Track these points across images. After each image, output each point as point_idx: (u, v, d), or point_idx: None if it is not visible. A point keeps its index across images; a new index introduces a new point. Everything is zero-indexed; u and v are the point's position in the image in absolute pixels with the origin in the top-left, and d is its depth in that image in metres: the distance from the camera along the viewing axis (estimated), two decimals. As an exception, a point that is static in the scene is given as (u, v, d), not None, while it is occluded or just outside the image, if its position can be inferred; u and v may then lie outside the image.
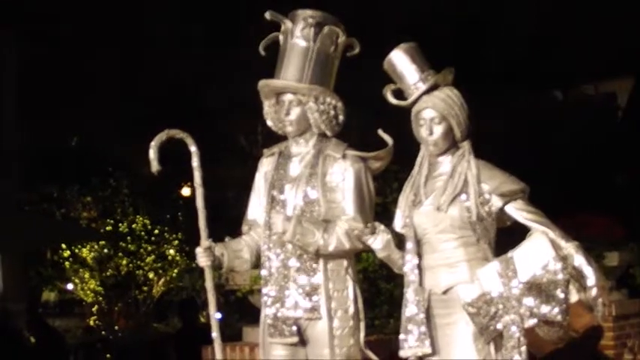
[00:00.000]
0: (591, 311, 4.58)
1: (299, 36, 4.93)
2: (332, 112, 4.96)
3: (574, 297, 4.50)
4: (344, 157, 4.91)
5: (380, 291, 7.79)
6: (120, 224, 15.17)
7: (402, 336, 4.68)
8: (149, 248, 15.25)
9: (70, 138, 18.93)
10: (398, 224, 4.83)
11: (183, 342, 10.33)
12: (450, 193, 4.66)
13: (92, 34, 15.92)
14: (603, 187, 13.23)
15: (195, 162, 5.02)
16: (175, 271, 15.25)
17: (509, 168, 4.77)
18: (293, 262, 4.88)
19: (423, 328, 4.62)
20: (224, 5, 15.31)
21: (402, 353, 4.70)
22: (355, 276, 4.97)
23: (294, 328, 4.85)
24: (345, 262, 4.91)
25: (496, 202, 4.67)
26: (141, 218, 15.26)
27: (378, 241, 4.74)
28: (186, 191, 15.77)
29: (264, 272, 4.99)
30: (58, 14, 15.66)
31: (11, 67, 17.19)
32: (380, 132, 4.94)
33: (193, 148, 5.02)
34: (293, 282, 4.86)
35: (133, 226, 15.21)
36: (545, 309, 4.44)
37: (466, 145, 4.75)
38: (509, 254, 4.56)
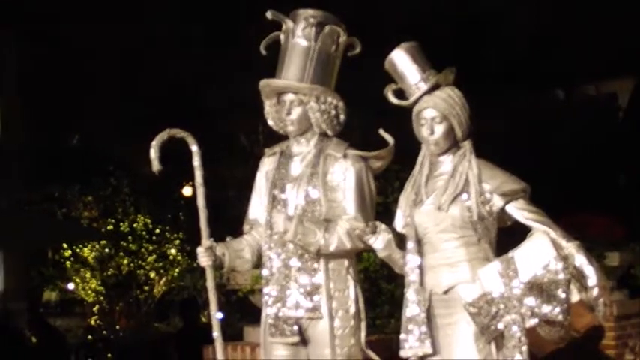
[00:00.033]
0: (592, 311, 4.58)
1: (300, 35, 4.93)
2: (333, 112, 4.96)
3: (575, 297, 4.50)
4: (345, 156, 4.91)
5: (381, 291, 7.79)
6: (121, 224, 15.16)
7: (402, 336, 4.69)
8: (150, 248, 15.24)
9: (71, 138, 18.95)
10: (399, 224, 4.83)
11: (185, 341, 10.33)
12: (451, 193, 4.67)
13: (92, 34, 15.92)
14: (604, 187, 13.24)
15: (196, 161, 5.02)
16: (177, 270, 15.24)
17: (509, 168, 4.77)
18: (294, 262, 4.88)
19: (424, 328, 4.62)
20: (224, 5, 15.31)
21: (402, 353, 4.70)
22: (356, 275, 4.98)
23: (295, 327, 4.85)
24: (346, 262, 4.91)
25: (497, 202, 4.67)
26: (142, 218, 15.25)
27: (379, 241, 4.74)
28: (187, 191, 15.76)
29: (265, 272, 4.99)
30: (58, 14, 15.66)
31: (12, 67, 17.20)
32: (381, 132, 4.94)
33: (194, 148, 5.02)
34: (294, 281, 4.87)
35: (134, 225, 15.20)
36: (546, 309, 4.45)
37: (467, 145, 4.75)
38: (510, 254, 4.57)
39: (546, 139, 13.95)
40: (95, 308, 15.37)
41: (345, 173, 4.89)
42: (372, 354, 4.91)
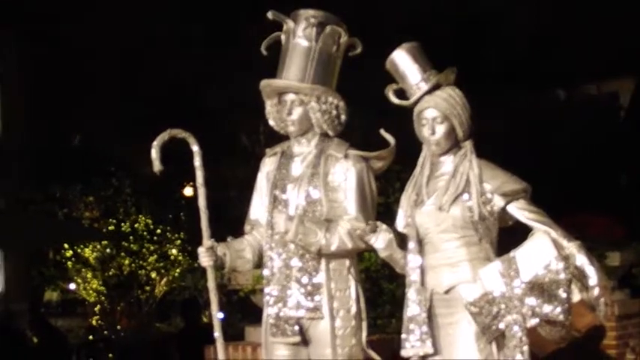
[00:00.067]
0: (593, 311, 4.58)
1: (301, 36, 4.93)
2: (334, 112, 4.96)
3: (576, 297, 4.50)
4: (346, 156, 4.91)
5: (382, 291, 7.80)
6: (122, 224, 15.17)
7: (403, 335, 4.68)
8: (151, 248, 15.25)
9: (73, 138, 18.95)
10: (400, 224, 4.83)
11: (186, 342, 10.33)
12: (452, 193, 4.66)
13: (93, 34, 15.94)
14: (605, 187, 13.25)
15: (197, 162, 5.02)
16: (178, 270, 15.25)
17: (511, 168, 4.77)
18: (295, 262, 4.88)
19: (425, 328, 4.62)
20: (224, 5, 15.32)
21: (403, 353, 4.70)
22: (357, 275, 4.97)
23: (297, 327, 4.85)
24: (347, 262, 4.91)
25: (498, 202, 4.67)
26: (143, 218, 15.26)
27: (380, 241, 4.74)
28: (188, 191, 15.77)
29: (266, 272, 4.99)
30: (58, 14, 15.68)
31: (13, 67, 17.21)
32: (382, 132, 4.93)
33: (195, 148, 5.02)
34: (295, 282, 4.87)
35: (136, 225, 15.21)
36: (547, 308, 4.45)
37: (468, 145, 4.75)
38: (512, 254, 4.56)
39: (547, 139, 13.96)
40: (96, 308, 15.39)
41: (346, 173, 4.89)
42: (373, 354, 4.91)
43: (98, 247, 15.03)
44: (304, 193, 4.90)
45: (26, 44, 17.01)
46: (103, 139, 17.49)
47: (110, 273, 15.16)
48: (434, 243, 4.70)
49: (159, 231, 15.28)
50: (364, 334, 4.91)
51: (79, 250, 15.05)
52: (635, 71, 16.27)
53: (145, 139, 5.22)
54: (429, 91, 4.71)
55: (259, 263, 5.10)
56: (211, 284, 5.00)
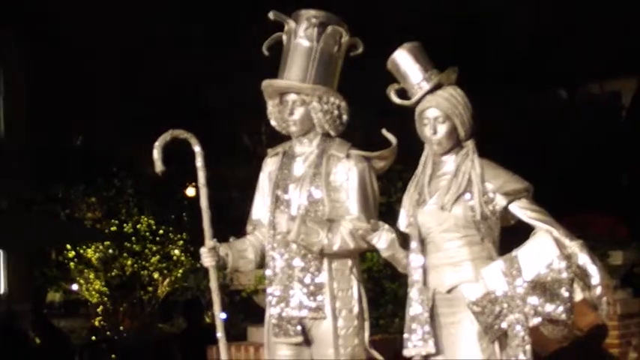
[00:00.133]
0: (596, 310, 4.58)
1: (302, 36, 4.94)
2: (336, 112, 4.96)
3: (578, 296, 4.50)
4: (348, 156, 4.91)
5: (384, 290, 7.79)
6: (124, 224, 15.18)
7: (406, 335, 4.69)
8: (154, 248, 15.26)
9: (75, 138, 18.97)
10: (402, 223, 4.83)
11: (188, 342, 10.34)
12: (454, 193, 4.66)
13: (93, 35, 15.96)
14: (607, 186, 13.24)
15: (199, 162, 5.02)
16: (180, 271, 15.26)
17: (513, 167, 4.77)
18: (297, 262, 4.88)
19: (427, 328, 4.62)
20: (224, 5, 15.33)
21: (406, 352, 4.70)
22: (360, 275, 4.97)
23: (299, 327, 4.85)
24: (349, 262, 4.91)
25: (500, 201, 4.67)
26: (145, 218, 15.27)
27: (383, 241, 4.74)
28: (190, 191, 15.79)
29: (268, 272, 4.99)
30: (58, 14, 15.70)
31: (15, 68, 17.22)
32: (384, 131, 4.93)
33: (197, 148, 5.03)
34: (297, 282, 4.87)
35: (138, 226, 15.22)
36: (549, 308, 4.45)
37: (470, 145, 4.75)
38: (514, 253, 4.57)
39: (549, 139, 13.95)
40: (99, 309, 15.39)
41: (347, 173, 4.89)
42: (375, 354, 4.91)
43: (100, 247, 15.04)
44: (306, 193, 4.90)
45: (27, 44, 17.03)
46: (105, 140, 17.51)
47: (113, 274, 15.17)
48: (436, 242, 4.71)
49: (161, 231, 15.29)
50: (367, 333, 4.91)
51: (81, 251, 15.06)
52: (637, 71, 16.27)
53: (147, 139, 5.22)
54: (431, 91, 4.71)
55: (261, 263, 5.11)
56: (214, 284, 5.00)
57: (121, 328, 15.07)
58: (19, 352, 11.16)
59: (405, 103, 4.78)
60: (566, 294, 4.44)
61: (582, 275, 4.51)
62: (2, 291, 18.06)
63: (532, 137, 13.69)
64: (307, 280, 4.85)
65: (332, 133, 4.98)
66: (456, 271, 4.66)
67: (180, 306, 13.62)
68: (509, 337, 4.51)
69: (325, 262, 4.86)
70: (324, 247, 4.79)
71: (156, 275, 15.29)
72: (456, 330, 4.63)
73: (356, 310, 4.88)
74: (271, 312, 4.95)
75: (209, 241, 4.97)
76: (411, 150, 4.91)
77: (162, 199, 15.54)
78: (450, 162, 4.76)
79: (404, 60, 4.76)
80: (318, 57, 4.91)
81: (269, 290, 4.98)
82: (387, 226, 4.75)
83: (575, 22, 14.98)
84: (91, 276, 15.20)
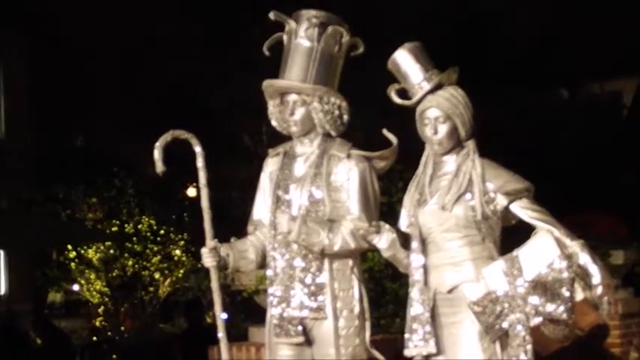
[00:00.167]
0: (597, 309, 4.58)
1: (303, 36, 4.94)
2: (336, 112, 4.96)
3: (579, 295, 4.50)
4: (348, 156, 4.91)
5: (385, 290, 7.79)
6: (126, 225, 15.17)
7: (407, 335, 4.69)
8: (155, 249, 15.25)
9: (76, 138, 18.98)
10: (403, 223, 4.83)
11: (189, 342, 10.34)
12: (455, 193, 4.67)
13: (93, 34, 15.96)
14: (608, 186, 13.23)
15: (200, 162, 5.02)
16: (181, 271, 15.26)
17: (513, 167, 4.77)
18: (298, 262, 4.88)
19: (428, 328, 4.62)
20: (224, 5, 15.33)
21: (407, 352, 4.71)
22: (361, 275, 4.98)
23: (300, 327, 4.85)
24: (350, 262, 4.91)
25: (501, 201, 4.67)
26: (146, 219, 15.26)
27: (384, 241, 4.75)
28: (191, 192, 15.79)
29: (269, 272, 4.99)
30: (58, 14, 15.71)
31: (15, 68, 17.22)
32: (384, 131, 4.94)
33: (198, 149, 5.03)
34: (298, 282, 4.87)
35: (139, 226, 15.21)
36: (550, 307, 4.45)
37: (471, 144, 4.75)
38: (515, 253, 4.57)
39: (550, 139, 13.95)
40: (100, 310, 15.38)
41: (348, 173, 4.89)
42: (376, 354, 4.91)
43: (101, 248, 15.03)
44: (307, 193, 4.91)
45: (27, 44, 17.04)
46: (105, 140, 17.51)
47: (114, 274, 15.15)
48: (437, 242, 4.71)
49: (162, 232, 15.28)
50: (368, 333, 4.91)
51: (82, 251, 15.05)
52: (638, 71, 16.27)
53: (148, 139, 5.22)
54: (432, 91, 4.71)
55: (262, 264, 5.11)
56: (215, 285, 5.01)
57: (122, 328, 15.07)
58: (19, 352, 11.17)
59: (406, 103, 4.78)
60: (567, 294, 4.44)
61: (583, 275, 4.51)
62: (3, 291, 18.08)
63: (532, 137, 13.68)
64: (308, 280, 4.86)
65: (333, 133, 4.98)
66: (456, 271, 4.66)
67: (182, 306, 13.62)
68: (510, 336, 4.51)
69: (326, 262, 4.86)
70: (325, 248, 4.79)
71: (157, 275, 15.28)
72: (457, 330, 4.63)
73: (357, 310, 4.88)
74: (272, 312, 4.95)
75: (210, 242, 4.98)
76: (411, 150, 4.91)
77: (163, 200, 15.53)
78: (450, 162, 4.76)
79: (404, 60, 4.76)
80: (319, 57, 4.91)
81: (270, 290, 4.98)
82: (387, 226, 4.76)
83: (575, 21, 14.98)
84: (92, 276, 15.19)
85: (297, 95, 4.94)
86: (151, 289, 15.33)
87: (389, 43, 4.87)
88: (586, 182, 13.00)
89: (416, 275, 4.68)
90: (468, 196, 4.66)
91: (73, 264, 15.16)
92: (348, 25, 5.01)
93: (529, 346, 4.47)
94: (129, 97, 16.99)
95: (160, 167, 4.98)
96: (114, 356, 13.26)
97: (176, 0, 16.00)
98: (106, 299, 15.27)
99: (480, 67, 13.31)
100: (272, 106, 5.08)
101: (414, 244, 4.70)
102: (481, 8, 14.89)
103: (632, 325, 8.12)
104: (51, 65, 16.85)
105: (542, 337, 4.64)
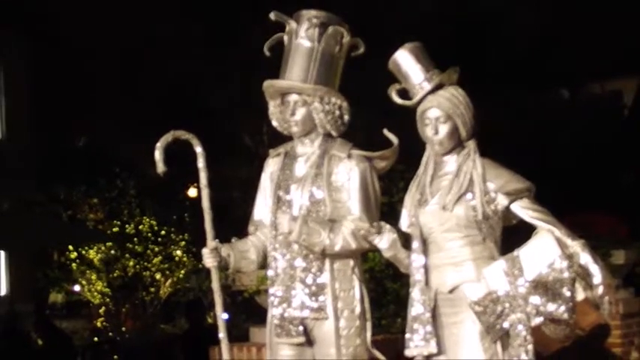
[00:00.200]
0: (598, 309, 4.58)
1: (303, 36, 4.94)
2: (337, 112, 4.97)
3: (580, 295, 4.50)
4: (349, 156, 4.91)
5: (386, 290, 7.79)
6: (127, 225, 15.17)
7: (408, 335, 4.69)
8: (156, 249, 15.25)
9: (77, 139, 18.98)
10: (404, 223, 4.83)
11: (191, 343, 10.36)
12: (456, 193, 4.67)
13: (93, 34, 15.96)
14: (609, 186, 13.23)
15: (200, 163, 5.03)
16: (182, 272, 15.26)
17: (513, 167, 4.78)
18: (299, 262, 4.88)
19: (429, 328, 4.62)
20: (224, 5, 15.33)
21: (408, 352, 4.71)
22: (361, 275, 4.98)
23: (301, 328, 4.85)
24: (351, 262, 4.91)
25: (502, 201, 4.67)
26: (147, 219, 15.26)
27: (384, 241, 4.75)
28: (192, 192, 15.79)
29: (270, 273, 4.99)
30: (58, 14, 15.70)
31: (16, 68, 17.22)
32: (385, 131, 4.94)
33: (199, 149, 5.03)
34: (299, 282, 4.87)
35: (140, 227, 15.22)
36: (551, 307, 4.45)
37: (471, 144, 4.75)
38: (516, 253, 4.57)
39: (551, 139, 13.95)
40: (101, 310, 15.39)
41: (349, 173, 4.89)
42: (377, 354, 4.91)
43: (103, 248, 15.04)
44: (308, 193, 4.91)
45: (27, 44, 17.03)
46: (106, 141, 17.51)
47: (115, 274, 15.16)
48: (438, 242, 4.71)
49: (163, 232, 15.29)
50: (368, 333, 4.91)
51: (83, 252, 15.05)
52: (638, 70, 16.26)
53: (149, 139, 5.23)
54: (432, 91, 4.71)
55: (263, 264, 5.11)
56: (216, 285, 5.01)
57: (123, 329, 15.08)
58: (21, 353, 11.18)
59: (407, 103, 4.78)
60: (568, 293, 4.45)
61: (584, 275, 4.51)
62: (4, 292, 18.07)
63: (533, 137, 13.68)
64: (309, 280, 4.86)
65: (333, 133, 4.99)
66: (457, 271, 4.66)
67: (183, 307, 13.64)
68: (511, 336, 4.51)
69: (327, 262, 4.86)
70: (326, 248, 4.79)
71: (158, 276, 15.29)
72: (458, 330, 4.63)
73: (358, 310, 4.89)
74: (273, 312, 4.95)
75: (211, 242, 4.98)
76: (412, 150, 4.92)
77: (164, 200, 15.54)
78: (451, 162, 4.76)
79: (405, 60, 4.76)
80: (320, 57, 4.92)
81: (271, 291, 4.98)
82: (388, 226, 4.76)
83: (575, 21, 14.97)
84: (93, 277, 15.20)
85: (298, 95, 4.94)
86: (152, 289, 15.33)
87: (389, 43, 4.87)
88: (586, 182, 12.99)
89: (417, 275, 4.68)
90: (469, 196, 4.66)
91: (74, 264, 15.16)
92: (349, 25, 5.01)
93: (530, 346, 4.47)
94: (129, 97, 16.98)
95: (160, 168, 4.99)
96: (115, 357, 13.27)
97: (176, 0, 15.99)
98: (107, 300, 15.28)
99: (480, 67, 13.29)
100: (273, 107, 5.08)
101: (415, 244, 4.70)
102: (481, 8, 14.89)
103: (633, 324, 8.12)
104: (51, 65, 16.85)
105: (544, 337, 4.65)
